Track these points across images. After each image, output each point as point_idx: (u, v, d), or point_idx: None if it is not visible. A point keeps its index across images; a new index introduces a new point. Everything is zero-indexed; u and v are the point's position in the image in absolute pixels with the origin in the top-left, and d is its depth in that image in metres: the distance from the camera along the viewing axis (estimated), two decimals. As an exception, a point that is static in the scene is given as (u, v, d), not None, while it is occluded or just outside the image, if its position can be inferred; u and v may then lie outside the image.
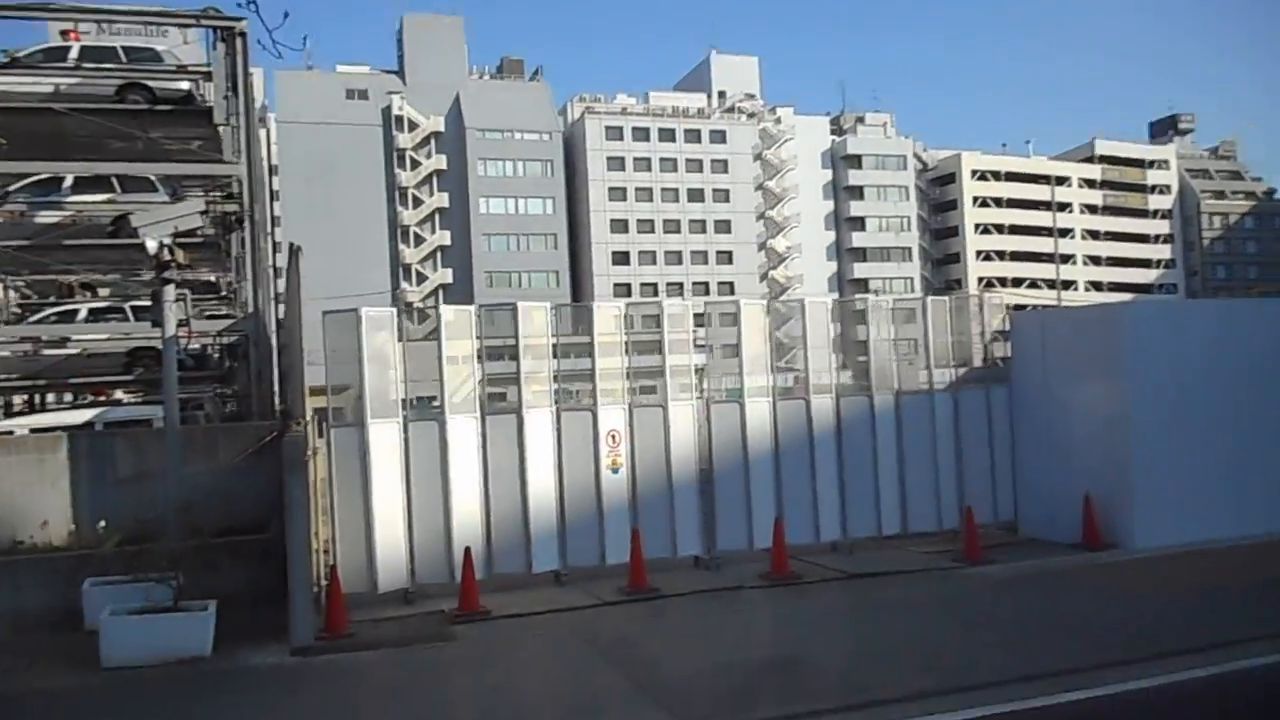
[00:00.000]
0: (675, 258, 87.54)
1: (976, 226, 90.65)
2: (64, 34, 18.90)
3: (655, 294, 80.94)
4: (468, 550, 11.52)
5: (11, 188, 18.00)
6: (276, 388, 15.12)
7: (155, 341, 18.24)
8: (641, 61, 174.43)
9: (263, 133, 79.31)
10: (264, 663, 9.63)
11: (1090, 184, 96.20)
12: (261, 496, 11.71)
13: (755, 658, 9.33)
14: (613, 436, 12.86)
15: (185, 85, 17.78)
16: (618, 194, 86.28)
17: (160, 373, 17.29)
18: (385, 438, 11.84)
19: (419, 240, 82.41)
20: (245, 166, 16.18)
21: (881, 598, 11.77)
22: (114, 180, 18.25)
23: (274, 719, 8.42)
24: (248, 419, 15.24)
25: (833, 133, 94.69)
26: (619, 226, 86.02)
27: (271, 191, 79.13)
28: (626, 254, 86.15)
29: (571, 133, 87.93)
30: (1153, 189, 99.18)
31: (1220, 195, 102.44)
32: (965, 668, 8.48)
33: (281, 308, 17.49)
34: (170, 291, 12.75)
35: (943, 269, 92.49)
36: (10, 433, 15.38)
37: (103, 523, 11.94)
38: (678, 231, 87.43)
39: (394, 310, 12.19)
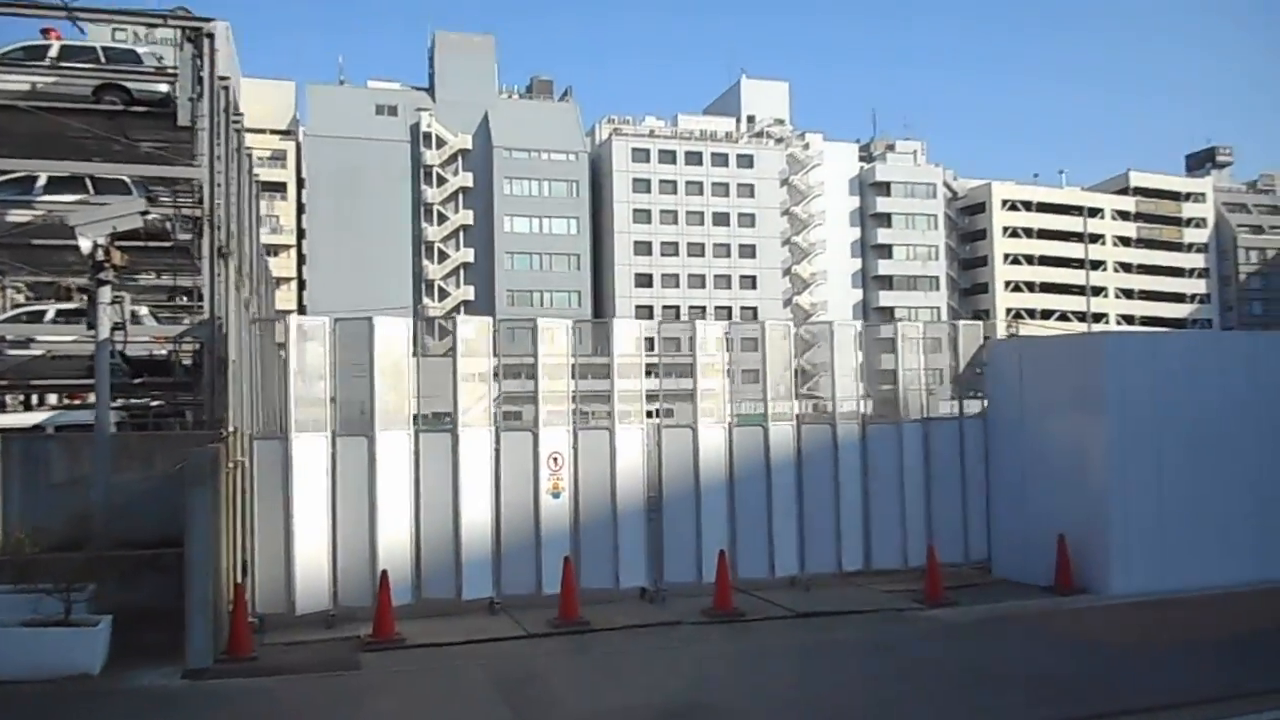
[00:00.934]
0: (698, 281, 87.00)
1: (1006, 257, 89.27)
2: (44, 32, 18.76)
3: (677, 317, 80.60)
4: (384, 574, 10.98)
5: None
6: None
7: (120, 346, 18.02)
8: (673, 85, 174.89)
9: (290, 145, 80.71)
10: (151, 684, 9.15)
11: (1124, 216, 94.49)
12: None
13: (663, 703, 8.68)
14: (554, 459, 12.30)
15: (164, 88, 17.53)
16: (642, 216, 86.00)
17: (119, 379, 17.03)
18: (310, 452, 11.36)
19: (443, 256, 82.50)
20: (208, 170, 15.83)
21: (824, 640, 11.07)
22: (88, 182, 18.04)
23: (136, 748, 7.91)
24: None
25: (862, 160, 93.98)
26: (643, 248, 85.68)
27: (300, 204, 79.91)
28: (650, 276, 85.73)
29: (598, 154, 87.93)
30: (1188, 222, 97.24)
31: (1258, 230, 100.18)
32: (880, 722, 7.80)
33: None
34: (106, 293, 12.42)
35: (970, 299, 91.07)
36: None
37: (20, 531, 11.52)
38: (702, 255, 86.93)
39: (326, 320, 11.71)
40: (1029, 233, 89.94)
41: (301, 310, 68.25)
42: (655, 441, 12.86)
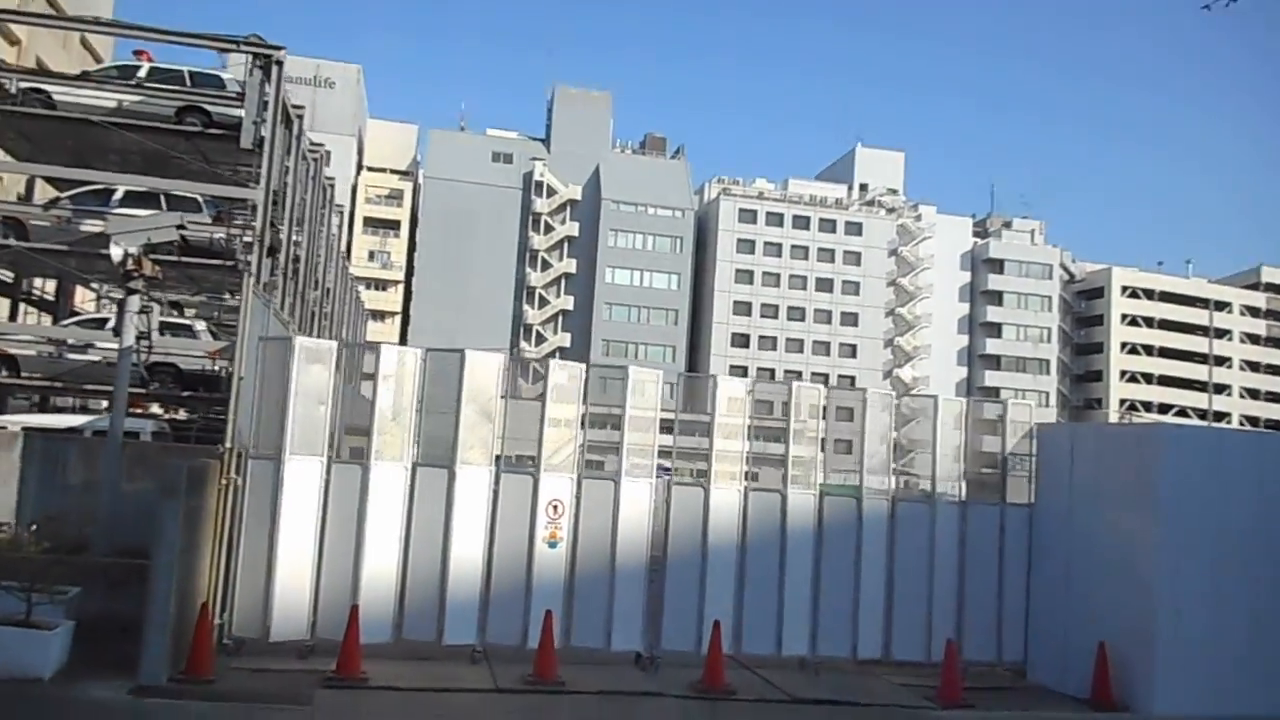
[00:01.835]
0: (796, 345, 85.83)
1: (1123, 345, 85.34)
2: (137, 53, 19.63)
3: (772, 379, 79.37)
4: (354, 608, 10.59)
5: (65, 195, 18.63)
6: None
7: (175, 358, 18.39)
8: (788, 150, 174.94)
9: (408, 185, 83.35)
10: (94, 696, 8.94)
11: (1253, 312, 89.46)
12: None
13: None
14: (554, 507, 11.79)
15: (240, 112, 18.03)
16: (744, 276, 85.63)
17: (169, 390, 17.31)
18: (303, 477, 11.13)
19: (543, 302, 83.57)
20: (263, 192, 16.13)
21: (813, 731, 10.19)
22: (162, 198, 18.63)
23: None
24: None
25: (976, 235, 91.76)
26: (742, 308, 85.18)
27: (412, 242, 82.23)
28: (747, 337, 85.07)
29: (705, 212, 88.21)
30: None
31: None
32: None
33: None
34: (134, 302, 12.58)
35: (1083, 386, 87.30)
36: (4, 428, 15.50)
37: (33, 526, 11.59)
38: (802, 319, 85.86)
39: (334, 344, 11.57)
40: (1149, 322, 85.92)
41: (403, 343, 70.02)
42: (665, 499, 12.24)
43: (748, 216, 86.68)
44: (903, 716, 10.95)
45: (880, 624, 12.58)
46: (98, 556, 11.53)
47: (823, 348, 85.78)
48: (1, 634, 9.17)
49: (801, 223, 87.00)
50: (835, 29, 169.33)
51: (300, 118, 18.58)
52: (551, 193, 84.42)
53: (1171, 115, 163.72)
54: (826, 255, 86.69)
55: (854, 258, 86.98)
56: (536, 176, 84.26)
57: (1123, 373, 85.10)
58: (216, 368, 17.94)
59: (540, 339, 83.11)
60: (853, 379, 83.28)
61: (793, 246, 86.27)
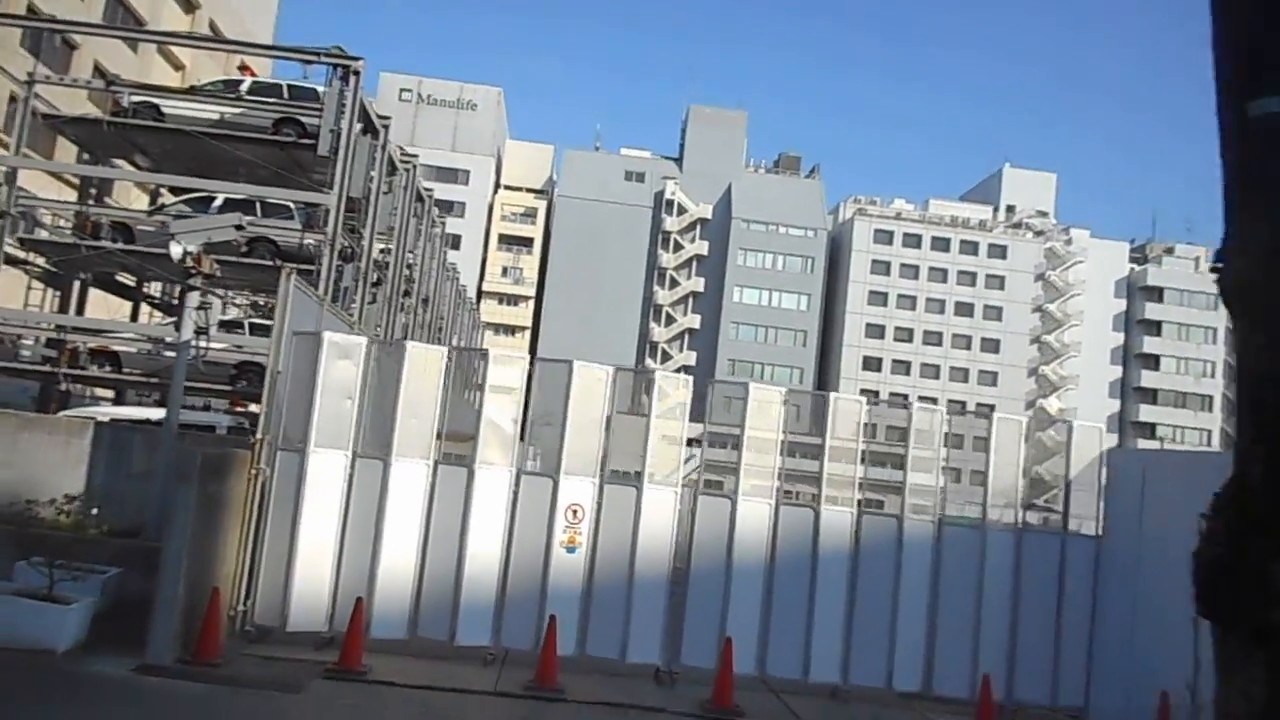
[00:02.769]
0: (932, 371, 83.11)
1: (1292, 381, 78.95)
2: (241, 68, 20.63)
3: (905, 405, 76.99)
4: (358, 601, 10.62)
5: (170, 201, 19.72)
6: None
7: (260, 358, 19.12)
8: (931, 171, 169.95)
9: (542, 204, 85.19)
10: (99, 671, 9.24)
11: None
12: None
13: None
14: (573, 512, 11.58)
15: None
16: (878, 298, 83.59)
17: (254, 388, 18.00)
18: (326, 469, 11.31)
19: (670, 320, 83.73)
20: (336, 197, 16.61)
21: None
22: (257, 205, 19.49)
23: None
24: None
25: (1133, 262, 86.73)
26: (875, 331, 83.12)
27: (544, 258, 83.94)
28: (879, 360, 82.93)
29: (839, 232, 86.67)
30: None
31: None
32: None
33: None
34: (194, 298, 13.09)
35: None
36: (92, 418, 16.42)
37: (94, 510, 12.18)
38: (939, 344, 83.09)
39: (364, 339, 11.73)
40: (1323, 357, 79.26)
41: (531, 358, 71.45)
42: (691, 509, 11.85)
43: (883, 237, 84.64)
44: (925, 754, 10.19)
45: (920, 655, 11.80)
46: (148, 541, 12.03)
47: (960, 374, 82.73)
48: (19, 606, 9.59)
49: (941, 244, 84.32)
50: (981, 52, 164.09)
51: (386, 128, 19.10)
52: (682, 211, 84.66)
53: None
54: (967, 279, 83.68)
55: (997, 281, 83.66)
56: (667, 195, 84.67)
57: (1293, 411, 78.67)
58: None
59: (666, 357, 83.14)
60: (992, 407, 79.88)
61: (930, 269, 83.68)
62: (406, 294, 23.71)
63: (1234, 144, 2.51)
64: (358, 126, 18.26)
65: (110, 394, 21.66)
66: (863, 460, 12.38)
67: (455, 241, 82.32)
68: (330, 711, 9.12)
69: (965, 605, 11.86)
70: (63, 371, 18.87)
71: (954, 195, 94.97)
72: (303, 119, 19.15)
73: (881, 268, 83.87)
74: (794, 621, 11.66)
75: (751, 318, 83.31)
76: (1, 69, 23.77)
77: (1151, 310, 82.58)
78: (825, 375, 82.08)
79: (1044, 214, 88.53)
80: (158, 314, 25.31)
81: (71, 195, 22.71)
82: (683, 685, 11.31)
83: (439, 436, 11.68)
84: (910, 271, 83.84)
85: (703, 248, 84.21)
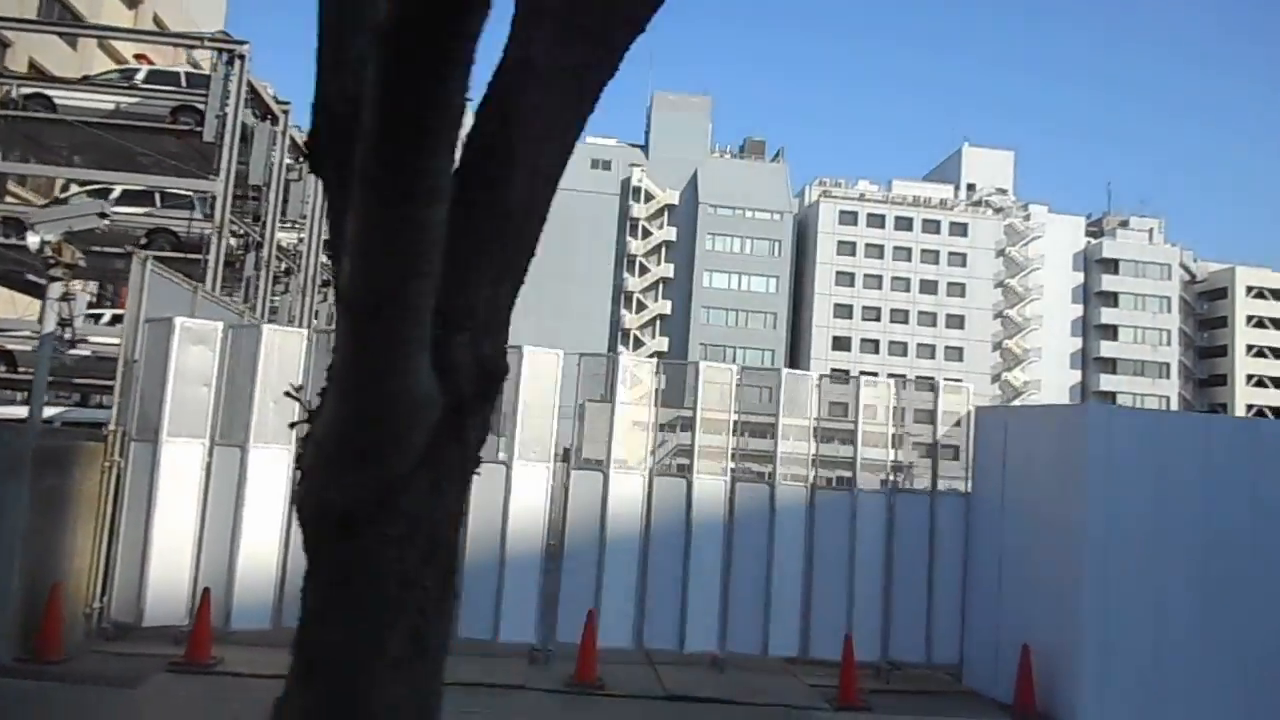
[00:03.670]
0: (900, 349, 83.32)
1: (1250, 348, 79.49)
2: (137, 57, 20.34)
3: (874, 385, 77.26)
4: (206, 591, 10.49)
5: (67, 194, 19.44)
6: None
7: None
8: (895, 153, 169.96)
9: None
10: (-71, 671, 9.06)
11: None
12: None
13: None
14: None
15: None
16: (845, 279, 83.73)
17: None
18: (182, 459, 11.13)
19: (640, 307, 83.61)
20: (222, 184, 16.40)
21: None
22: (156, 196, 19.23)
23: None
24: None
25: (1090, 235, 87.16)
26: (843, 311, 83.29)
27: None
28: (848, 340, 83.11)
29: (805, 215, 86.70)
30: None
31: None
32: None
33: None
34: (56, 289, 12.85)
35: (1207, 390, 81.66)
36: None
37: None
38: (905, 322, 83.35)
39: (220, 324, 11.54)
40: (1277, 324, 79.84)
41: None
42: (564, 484, 11.76)
43: (848, 218, 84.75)
44: (789, 717, 10.13)
45: (797, 620, 11.75)
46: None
47: (927, 351, 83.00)
48: None
49: (904, 224, 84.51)
50: (938, 35, 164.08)
51: (287, 113, 18.86)
52: (649, 198, 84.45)
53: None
54: (930, 257, 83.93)
55: (959, 259, 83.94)
56: (634, 182, 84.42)
57: (1249, 376, 79.32)
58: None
59: (639, 344, 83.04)
60: (959, 382, 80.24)
61: (895, 248, 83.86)
62: (327, 283, 23.49)
63: None
64: (250, 112, 18.05)
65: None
66: (737, 431, 12.29)
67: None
68: (161, 704, 8.99)
69: (839, 569, 11.82)
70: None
71: (918, 176, 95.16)
72: (200, 107, 18.92)
73: (847, 248, 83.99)
74: (670, 593, 11.60)
75: (721, 302, 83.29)
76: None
77: (1108, 282, 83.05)
78: (796, 356, 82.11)
79: (1003, 191, 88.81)
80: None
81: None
82: (559, 662, 11.22)
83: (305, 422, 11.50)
84: (875, 251, 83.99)
85: (671, 234, 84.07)
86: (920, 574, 11.89)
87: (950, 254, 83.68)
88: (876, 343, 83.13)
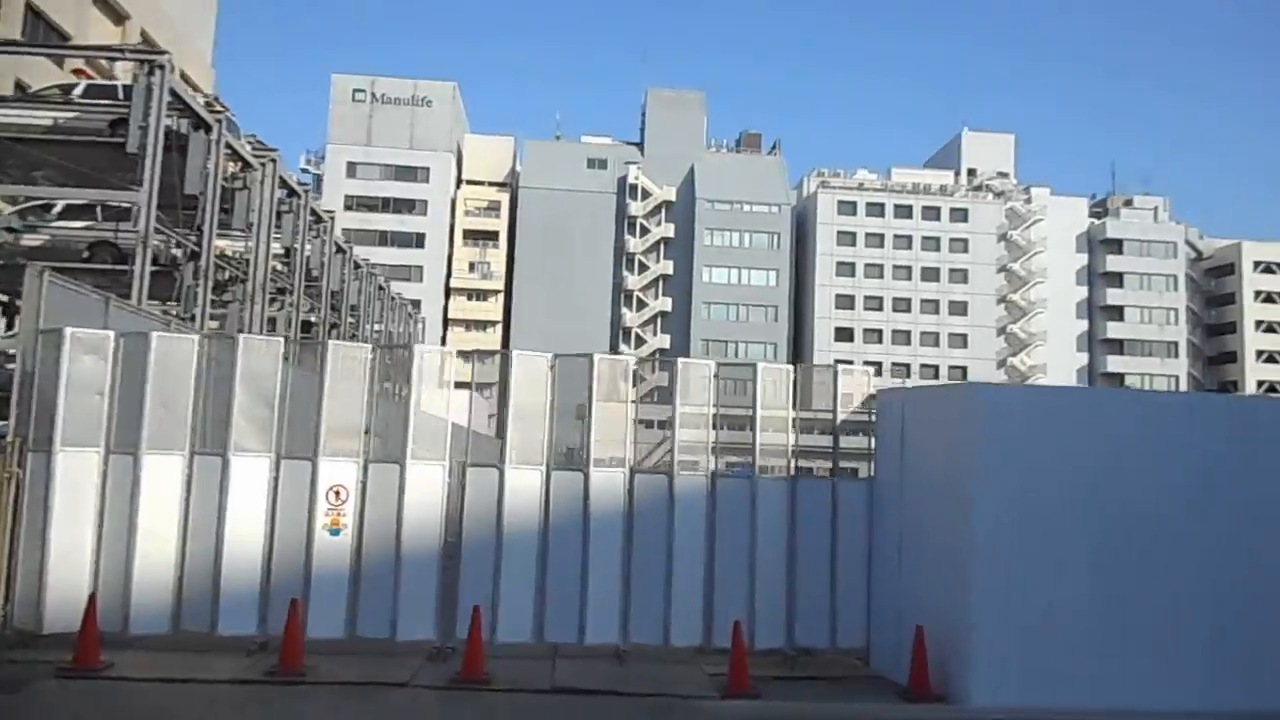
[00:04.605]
0: (903, 338, 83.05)
1: (1259, 324, 78.58)
2: (76, 72, 20.48)
3: (879, 373, 77.05)
4: (92, 596, 10.56)
5: (8, 211, 19.62)
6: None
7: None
8: (894, 141, 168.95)
9: (505, 196, 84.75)
10: None
11: None
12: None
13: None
14: (336, 493, 11.49)
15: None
16: (846, 269, 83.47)
17: None
18: (76, 468, 11.20)
19: (641, 305, 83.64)
20: (145, 195, 16.49)
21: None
22: (97, 210, 19.37)
23: None
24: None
25: (1094, 215, 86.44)
26: (845, 302, 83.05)
27: (510, 252, 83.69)
28: (851, 331, 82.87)
29: (804, 206, 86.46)
30: None
31: None
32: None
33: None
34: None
35: (1216, 368, 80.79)
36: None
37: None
38: (908, 311, 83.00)
39: (111, 333, 11.60)
40: (1287, 299, 79.05)
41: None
42: (460, 481, 11.75)
43: (847, 208, 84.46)
44: (669, 707, 10.08)
45: (699, 610, 11.70)
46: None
47: (931, 338, 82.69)
48: None
49: (904, 212, 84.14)
50: (935, 18, 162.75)
51: (220, 121, 18.95)
52: (646, 195, 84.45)
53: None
54: (931, 244, 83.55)
55: (961, 245, 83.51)
56: (631, 180, 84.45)
57: (1259, 353, 78.41)
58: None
59: (640, 341, 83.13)
60: (964, 369, 79.91)
61: (895, 236, 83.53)
62: (282, 291, 23.60)
63: None
64: (186, 123, 18.16)
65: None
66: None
67: (419, 240, 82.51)
68: (38, 710, 9.05)
69: (740, 557, 11.76)
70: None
71: (917, 163, 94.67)
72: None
73: (847, 238, 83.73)
74: (568, 586, 11.58)
75: (722, 297, 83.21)
76: None
77: (1113, 262, 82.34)
78: (799, 349, 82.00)
79: (1004, 175, 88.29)
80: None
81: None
82: (457, 659, 11.21)
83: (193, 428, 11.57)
84: (876, 240, 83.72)
85: (669, 230, 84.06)
86: (824, 560, 11.81)
87: (951, 240, 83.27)
88: (880, 332, 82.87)
